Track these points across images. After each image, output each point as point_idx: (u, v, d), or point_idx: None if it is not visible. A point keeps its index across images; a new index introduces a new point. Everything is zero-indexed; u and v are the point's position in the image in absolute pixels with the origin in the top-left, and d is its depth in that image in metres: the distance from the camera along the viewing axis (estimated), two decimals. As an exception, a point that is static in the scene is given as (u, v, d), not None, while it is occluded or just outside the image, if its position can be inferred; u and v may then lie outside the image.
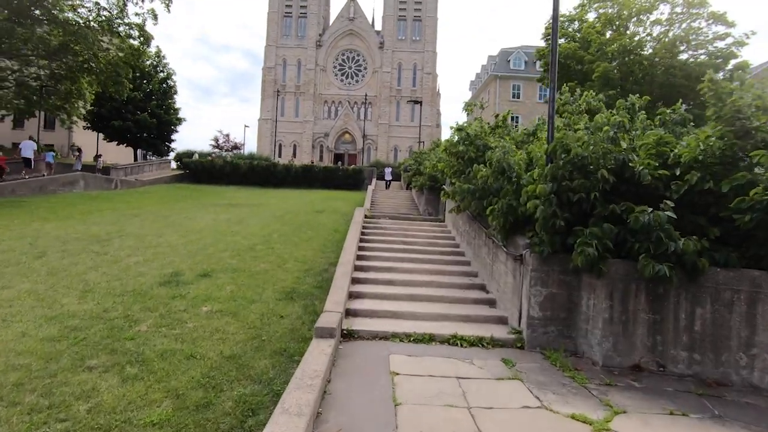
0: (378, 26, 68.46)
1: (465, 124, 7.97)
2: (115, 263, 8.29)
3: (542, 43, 35.34)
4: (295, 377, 3.61)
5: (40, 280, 7.16)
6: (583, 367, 4.76)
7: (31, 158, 22.89)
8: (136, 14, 23.10)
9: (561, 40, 33.94)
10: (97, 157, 32.04)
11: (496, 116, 9.52)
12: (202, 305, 6.25)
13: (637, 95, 7.95)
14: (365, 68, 67.52)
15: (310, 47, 66.13)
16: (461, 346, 5.25)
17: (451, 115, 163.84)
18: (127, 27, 23.52)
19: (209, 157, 34.44)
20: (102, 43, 24.64)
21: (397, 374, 4.30)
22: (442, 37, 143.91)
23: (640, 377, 4.54)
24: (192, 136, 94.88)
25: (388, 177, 29.23)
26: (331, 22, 68.80)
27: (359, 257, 8.18)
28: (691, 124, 6.80)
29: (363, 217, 11.54)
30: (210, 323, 5.70)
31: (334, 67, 67.85)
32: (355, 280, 6.98)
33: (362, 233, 9.97)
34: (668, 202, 4.47)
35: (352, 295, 6.45)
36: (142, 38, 24.04)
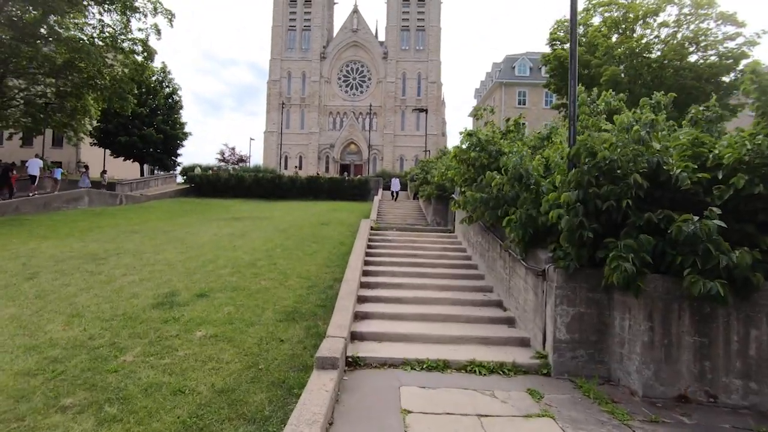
0: (381, 37, 68.71)
1: (475, 130, 7.49)
2: (108, 283, 7.85)
3: (547, 49, 35.02)
4: (290, 423, 3.09)
5: (27, 304, 6.73)
6: (620, 399, 4.18)
7: (36, 175, 22.86)
8: (140, 29, 23.09)
9: (566, 45, 33.70)
10: (102, 173, 32.02)
11: (507, 120, 9.02)
12: (197, 329, 5.76)
13: (662, 92, 7.44)
14: (369, 79, 67.64)
15: (315, 59, 66.46)
16: (480, 374, 4.70)
17: (456, 123, 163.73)
18: (131, 43, 23.53)
19: (210, 171, 34.23)
20: (106, 59, 24.69)
21: (409, 412, 3.77)
22: (445, 46, 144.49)
23: (689, 410, 3.96)
24: (201, 151, 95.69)
25: (396, 188, 26.89)
26: (334, 34, 69.17)
27: (365, 273, 7.67)
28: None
29: (369, 229, 11.05)
30: (203, 350, 5.21)
31: (339, 78, 68.08)
32: (361, 299, 6.46)
33: (368, 246, 9.47)
34: (714, 209, 3.92)
35: (357, 316, 5.93)
36: (145, 53, 24.01)
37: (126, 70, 25.15)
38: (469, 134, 7.45)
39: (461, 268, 8.16)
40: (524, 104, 49.90)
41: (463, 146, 7.42)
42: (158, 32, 23.31)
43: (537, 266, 5.01)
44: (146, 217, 18.55)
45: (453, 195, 11.84)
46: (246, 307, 6.71)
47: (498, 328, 5.71)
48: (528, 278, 5.29)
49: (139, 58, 24.67)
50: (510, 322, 5.81)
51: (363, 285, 7.02)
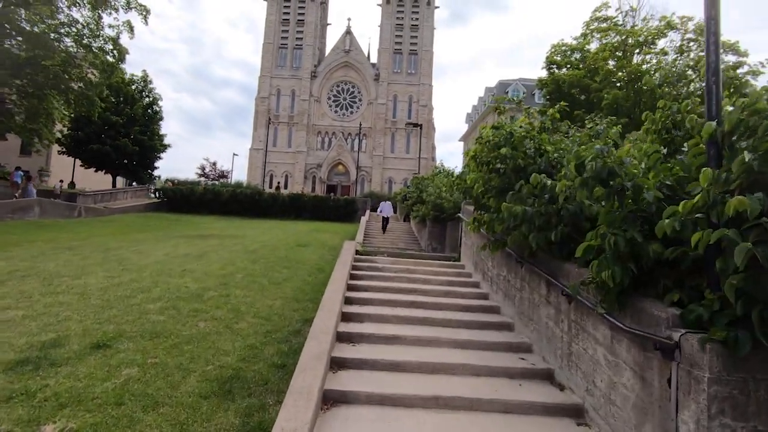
0: (374, 59, 68.04)
1: (501, 123, 5.48)
2: (-27, 322, 5.44)
3: (543, 73, 33.93)
4: None
5: None
6: None
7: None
8: (110, 26, 20.90)
9: (563, 70, 32.65)
10: (59, 182, 29.26)
11: (543, 111, 6.99)
12: (51, 419, 3.40)
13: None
14: (360, 100, 66.55)
15: (305, 78, 65.24)
16: None
17: (445, 152, 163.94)
18: (102, 41, 21.38)
19: (170, 183, 31.81)
20: (75, 59, 22.51)
21: None
22: (436, 73, 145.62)
23: None
24: (187, 167, 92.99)
25: (386, 212, 19.32)
26: (326, 54, 68.29)
27: (346, 317, 5.41)
28: None
29: (354, 253, 8.81)
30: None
31: (329, 98, 66.84)
32: (337, 364, 4.18)
33: (352, 277, 7.22)
34: None
35: (329, 400, 3.63)
36: (116, 52, 21.84)
37: (95, 72, 22.95)
38: (495, 127, 5.43)
39: (478, 312, 5.96)
40: (517, 129, 48.88)
41: (488, 141, 5.31)
42: (131, 30, 21.29)
43: (646, 330, 2.81)
44: (96, 232, 16.02)
45: (459, 214, 9.74)
46: (160, 369, 4.37)
47: (560, 426, 3.49)
48: (621, 347, 3.09)
49: (110, 58, 22.51)
50: (578, 412, 3.58)
51: (342, 338, 4.76)
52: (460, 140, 63.09)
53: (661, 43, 30.13)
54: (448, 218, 13.60)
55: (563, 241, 4.03)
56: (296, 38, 67.07)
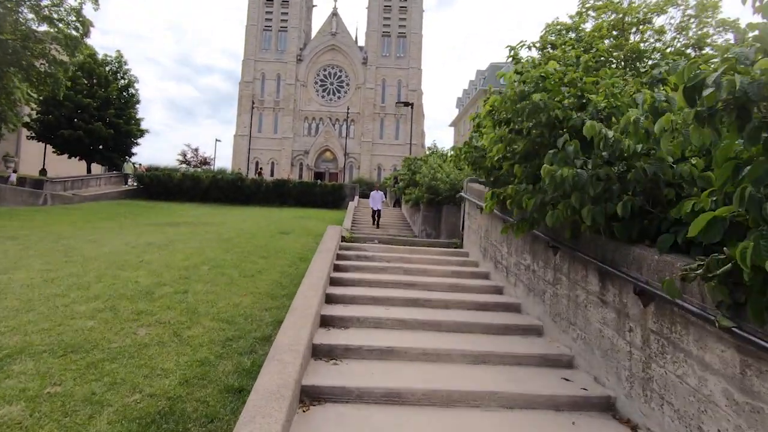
0: (361, 42, 66.01)
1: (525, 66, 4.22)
2: None
3: (536, 55, 32.56)
4: None
5: None
6: None
7: None
8: (71, -5, 18.99)
9: (558, 51, 31.31)
10: (12, 169, 27.25)
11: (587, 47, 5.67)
12: None
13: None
14: (348, 84, 64.64)
15: (291, 61, 63.02)
16: None
17: (434, 140, 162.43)
18: (64, 12, 19.45)
19: (141, 168, 30.11)
20: (35, 34, 20.58)
21: None
22: (425, 57, 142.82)
23: None
24: (171, 156, 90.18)
25: (377, 205, 16.04)
26: (312, 37, 66.05)
27: (325, 322, 4.16)
28: None
29: (339, 241, 7.54)
30: None
31: (316, 82, 64.76)
32: (310, 396, 2.92)
33: (336, 268, 5.96)
34: None
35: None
36: (79, 24, 19.94)
37: (59, 48, 21.04)
38: (519, 72, 4.18)
39: (495, 311, 4.75)
40: (509, 114, 47.76)
41: (513, 90, 4.00)
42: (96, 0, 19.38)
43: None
44: (55, 220, 14.47)
45: (462, 193, 8.50)
46: (58, 405, 3.08)
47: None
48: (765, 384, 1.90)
49: (74, 32, 20.61)
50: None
51: (319, 352, 3.50)
52: (450, 125, 61.80)
53: (660, 20, 29.01)
54: (444, 201, 12.38)
55: (632, 217, 2.81)
56: (281, 20, 64.65)
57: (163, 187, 27.09)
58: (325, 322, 4.19)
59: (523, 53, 6.21)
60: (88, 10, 21.71)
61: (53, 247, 9.10)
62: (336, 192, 28.04)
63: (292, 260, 8.92)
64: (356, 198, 27.31)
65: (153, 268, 7.39)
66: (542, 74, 3.92)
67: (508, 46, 5.76)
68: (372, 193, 16.86)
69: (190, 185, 26.93)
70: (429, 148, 17.13)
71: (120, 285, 6.20)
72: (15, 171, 26.79)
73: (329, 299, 4.79)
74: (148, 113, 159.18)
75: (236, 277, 7.20)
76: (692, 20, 28.28)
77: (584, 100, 3.78)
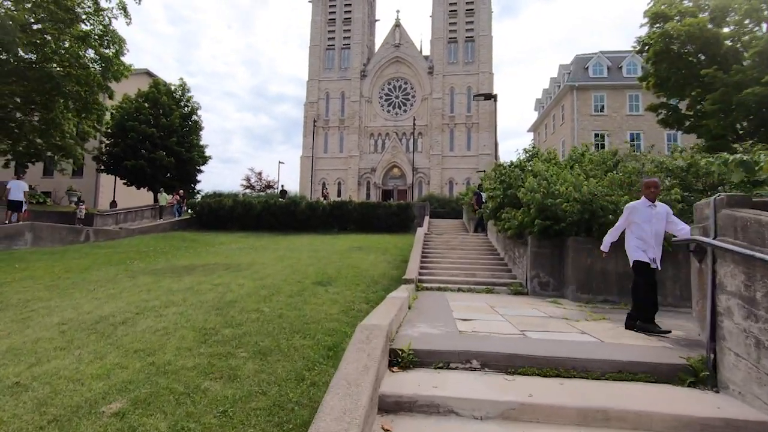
0: (426, 51, 62.50)
1: None
2: None
3: (644, 31, 26.21)
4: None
5: None
6: None
7: (22, 201, 17.86)
8: (98, 12, 17.11)
9: (671, 25, 24.59)
10: (78, 203, 26.33)
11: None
12: None
13: None
14: (413, 96, 61.14)
15: (354, 78, 60.98)
16: None
17: (507, 151, 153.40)
18: (91, 24, 17.63)
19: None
20: (70, 57, 19.08)
21: None
22: (496, 61, 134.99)
23: None
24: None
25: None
26: (375, 51, 63.76)
27: None
28: None
29: (396, 328, 3.20)
30: None
31: (380, 97, 62.03)
32: None
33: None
34: None
35: None
36: (109, 41, 18.01)
37: (97, 68, 19.39)
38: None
39: None
40: (602, 111, 40.79)
41: None
42: (125, 11, 17.31)
43: None
44: (46, 269, 11.68)
45: (708, 240, 3.68)
46: None
47: None
48: None
49: (108, 51, 18.80)
50: None
51: None
52: (528, 131, 55.45)
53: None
54: (568, 229, 7.57)
55: None
56: (343, 38, 63.27)
57: (213, 215, 24.72)
58: None
59: None
60: (120, 24, 19.97)
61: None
62: (402, 212, 23.84)
63: (314, 356, 4.77)
64: (426, 219, 22.88)
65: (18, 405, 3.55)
66: None
67: None
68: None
69: (242, 212, 24.27)
70: (526, 150, 12.30)
71: None
72: (81, 202, 25.94)
73: None
74: (228, 143, 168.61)
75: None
76: None
77: None
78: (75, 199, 27.93)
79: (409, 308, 5.96)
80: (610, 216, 7.01)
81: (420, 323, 4.93)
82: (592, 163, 9.11)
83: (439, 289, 8.40)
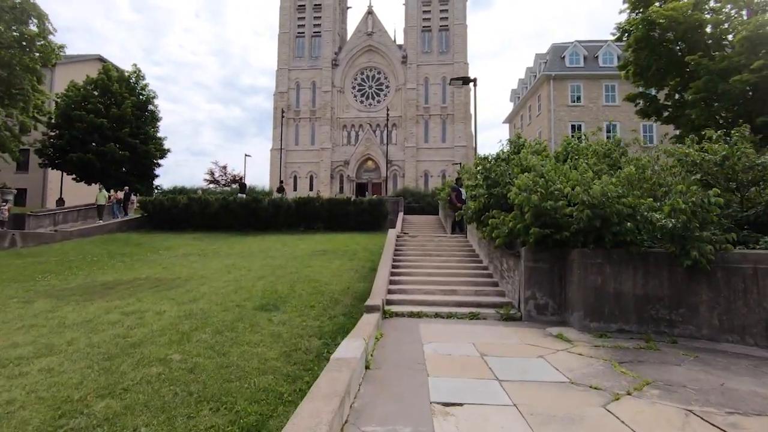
0: (400, 40, 60.43)
1: None
2: None
3: (623, 17, 24.97)
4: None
5: None
6: None
7: None
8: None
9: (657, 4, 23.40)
10: (3, 202, 23.28)
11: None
12: None
13: None
14: (387, 87, 59.09)
15: (326, 67, 58.36)
16: None
17: (482, 143, 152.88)
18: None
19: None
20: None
21: None
22: (471, 50, 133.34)
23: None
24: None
25: None
26: (348, 40, 61.31)
27: None
28: None
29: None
30: None
31: (353, 87, 59.68)
32: None
33: None
34: None
35: None
36: (34, 17, 15.44)
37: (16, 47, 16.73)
38: None
39: None
40: (578, 101, 39.90)
41: None
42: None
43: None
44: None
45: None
46: None
47: None
48: None
49: (33, 29, 16.19)
50: None
51: None
52: (504, 122, 54.38)
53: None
54: (573, 240, 5.96)
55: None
56: (314, 25, 60.39)
57: (166, 215, 22.34)
58: None
59: None
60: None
61: None
62: (375, 209, 22.07)
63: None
64: (400, 216, 21.19)
65: None
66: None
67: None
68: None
69: (197, 211, 21.98)
70: (511, 141, 10.67)
71: None
72: (5, 202, 22.93)
73: None
74: (199, 135, 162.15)
75: None
76: None
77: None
78: (9, 197, 24.93)
79: (367, 368, 4.22)
80: (628, 224, 5.47)
81: (375, 417, 3.17)
82: (596, 156, 7.58)
83: (411, 315, 6.70)
